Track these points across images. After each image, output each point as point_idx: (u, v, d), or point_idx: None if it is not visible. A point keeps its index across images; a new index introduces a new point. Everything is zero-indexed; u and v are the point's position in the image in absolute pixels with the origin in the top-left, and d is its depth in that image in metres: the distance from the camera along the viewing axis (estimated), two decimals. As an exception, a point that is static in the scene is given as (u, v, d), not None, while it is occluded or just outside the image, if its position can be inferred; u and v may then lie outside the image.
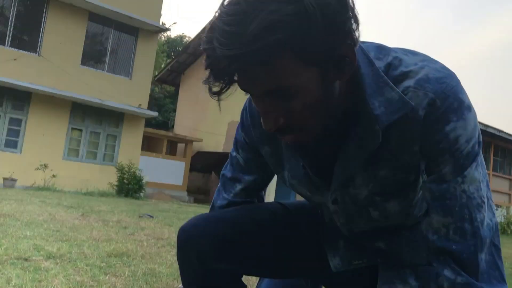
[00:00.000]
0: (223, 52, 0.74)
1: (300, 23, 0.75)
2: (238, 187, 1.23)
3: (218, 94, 0.80)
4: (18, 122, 14.90)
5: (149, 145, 20.69)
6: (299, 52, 0.78)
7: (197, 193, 21.43)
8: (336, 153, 0.98)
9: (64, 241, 4.37)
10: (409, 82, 0.91)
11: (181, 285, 1.40)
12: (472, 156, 0.90)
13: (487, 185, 0.95)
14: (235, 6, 0.76)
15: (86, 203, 9.71)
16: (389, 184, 0.98)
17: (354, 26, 0.83)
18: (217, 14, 0.78)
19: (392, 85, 0.91)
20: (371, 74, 0.91)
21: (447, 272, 0.90)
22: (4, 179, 13.37)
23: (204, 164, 21.56)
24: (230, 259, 1.12)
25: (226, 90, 0.79)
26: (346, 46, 0.83)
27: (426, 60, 0.94)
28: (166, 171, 19.50)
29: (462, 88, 0.90)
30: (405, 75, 0.91)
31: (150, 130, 19.70)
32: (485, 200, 0.92)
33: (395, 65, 0.93)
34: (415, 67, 0.92)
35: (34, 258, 3.38)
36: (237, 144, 1.19)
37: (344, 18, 0.80)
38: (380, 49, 0.96)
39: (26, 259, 3.33)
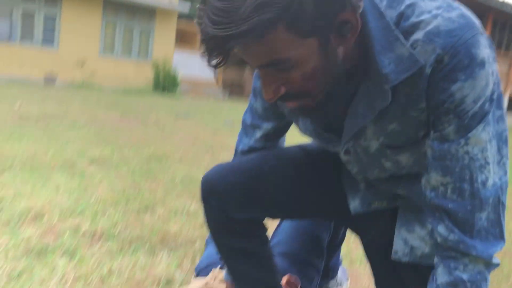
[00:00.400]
0: (216, 32, 0.71)
1: (295, 9, 0.70)
2: (258, 133, 1.23)
3: (215, 67, 0.76)
4: (52, 18, 14.87)
5: (182, 39, 20.46)
6: (294, 26, 0.73)
7: (231, 87, 21.52)
8: (345, 108, 0.95)
9: (106, 144, 4.58)
10: (419, 35, 0.83)
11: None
12: (480, 116, 0.84)
13: (504, 141, 0.89)
14: None
15: (124, 102, 9.98)
16: (400, 138, 0.95)
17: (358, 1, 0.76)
18: None
19: (403, 39, 0.83)
20: (381, 28, 0.84)
21: (440, 229, 0.92)
22: (45, 77, 13.75)
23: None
24: (250, 208, 1.16)
25: (224, 63, 0.76)
26: (346, 12, 0.77)
27: (443, 7, 0.84)
28: (201, 66, 19.45)
29: (478, 41, 0.82)
30: (416, 26, 0.83)
31: (183, 24, 19.32)
32: (492, 160, 0.88)
33: (407, 14, 0.84)
34: (427, 17, 0.83)
35: (79, 163, 3.58)
36: (255, 91, 1.16)
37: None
38: None
39: (72, 165, 3.54)
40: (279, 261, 1.46)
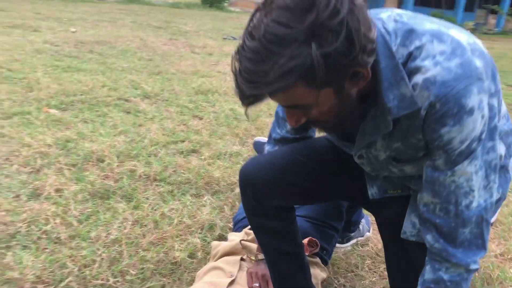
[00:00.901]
0: (250, 90, 0.85)
1: (311, 69, 0.82)
2: (289, 126, 1.38)
3: (248, 105, 0.91)
4: None
5: None
6: (311, 83, 0.86)
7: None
8: (357, 126, 1.09)
9: (156, 74, 4.82)
10: (419, 78, 0.94)
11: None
12: (466, 154, 0.98)
13: (492, 169, 1.02)
14: (257, 43, 0.82)
15: (173, 21, 10.04)
16: (403, 154, 1.11)
17: (365, 57, 0.86)
18: (244, 41, 0.84)
19: (407, 81, 0.95)
20: (391, 68, 0.95)
21: (428, 237, 1.10)
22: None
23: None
24: (280, 198, 1.35)
25: (255, 104, 0.90)
26: (358, 67, 0.87)
27: (446, 53, 0.93)
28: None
29: (469, 90, 0.92)
30: (418, 70, 0.94)
31: None
32: (477, 186, 1.01)
33: (414, 55, 0.95)
34: (429, 63, 0.93)
35: (132, 98, 3.85)
36: None
37: (351, 56, 0.83)
38: (409, 33, 0.96)
39: (126, 100, 3.82)
40: (301, 223, 1.68)
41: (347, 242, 2.01)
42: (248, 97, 0.87)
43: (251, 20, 0.85)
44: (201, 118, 3.56)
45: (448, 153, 0.98)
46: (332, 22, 0.79)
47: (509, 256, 2.09)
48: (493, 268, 1.96)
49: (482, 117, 0.95)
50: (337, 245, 1.99)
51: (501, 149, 1.20)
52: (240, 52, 0.85)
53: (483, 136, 0.97)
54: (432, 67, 0.93)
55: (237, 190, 2.42)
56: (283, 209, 1.38)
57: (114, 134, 3.01)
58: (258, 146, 2.81)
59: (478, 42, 1.02)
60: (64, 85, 3.93)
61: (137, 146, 2.81)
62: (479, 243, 1.07)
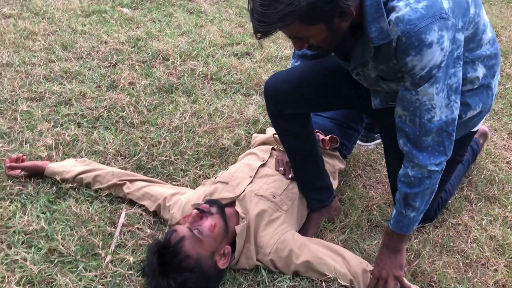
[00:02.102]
0: (259, 28, 1.14)
1: (307, 10, 1.09)
2: None
3: (259, 39, 1.19)
4: None
5: None
6: (306, 20, 1.14)
7: None
8: (351, 49, 1.36)
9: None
10: (393, 16, 1.18)
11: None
12: (426, 78, 1.22)
13: (453, 91, 1.27)
14: None
15: None
16: (386, 74, 1.37)
17: (345, 1, 1.12)
18: None
19: (385, 17, 1.19)
20: (374, 5, 1.20)
21: (400, 141, 1.40)
22: None
23: None
24: (297, 106, 1.63)
25: (264, 38, 1.18)
26: (343, 7, 1.12)
27: None
28: None
29: (430, 28, 1.14)
30: (393, 9, 1.18)
31: None
32: (439, 105, 1.26)
33: None
34: (402, 3, 1.17)
35: (196, -1, 4.11)
36: None
37: (333, 4, 1.11)
38: None
39: (190, 0, 4.08)
40: (325, 123, 2.00)
41: (371, 141, 2.31)
42: (259, 33, 1.16)
43: None
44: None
45: (412, 77, 1.23)
46: None
47: (520, 164, 2.31)
48: (499, 172, 2.21)
49: (442, 49, 1.18)
50: (362, 143, 2.31)
51: (479, 71, 1.41)
52: None
53: (443, 64, 1.21)
54: (403, 8, 1.16)
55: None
56: (299, 115, 1.68)
57: (178, 34, 3.35)
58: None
59: None
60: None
61: (198, 47, 3.14)
62: (441, 150, 1.35)
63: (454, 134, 1.35)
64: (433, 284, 1.64)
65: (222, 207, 1.61)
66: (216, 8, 3.99)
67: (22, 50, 2.90)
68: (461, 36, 1.24)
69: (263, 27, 1.14)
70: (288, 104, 1.64)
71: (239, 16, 3.84)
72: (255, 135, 2.17)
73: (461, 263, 1.72)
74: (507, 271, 1.69)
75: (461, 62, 1.27)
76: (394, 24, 1.18)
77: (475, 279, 1.66)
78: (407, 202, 1.43)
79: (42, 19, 3.35)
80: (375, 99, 1.56)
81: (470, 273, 1.69)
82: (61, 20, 3.35)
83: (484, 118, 1.65)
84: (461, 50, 1.25)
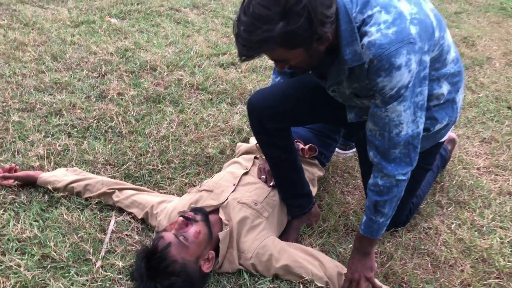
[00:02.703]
0: (243, 51, 1.25)
1: (287, 36, 1.20)
2: None
3: (242, 61, 1.30)
4: None
5: None
6: (285, 46, 1.25)
7: None
8: (328, 68, 1.48)
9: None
10: (365, 40, 1.30)
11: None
12: (395, 97, 1.34)
13: (419, 108, 1.39)
14: (247, 18, 1.19)
15: None
16: (359, 92, 1.49)
17: (323, 29, 1.22)
18: (240, 14, 1.22)
19: (359, 41, 1.31)
20: (349, 30, 1.32)
21: (371, 153, 1.51)
22: None
23: None
24: (278, 121, 1.75)
25: (247, 61, 1.30)
26: (320, 34, 1.24)
27: (387, 22, 1.26)
28: None
29: (399, 52, 1.26)
30: (366, 33, 1.30)
31: None
32: (406, 120, 1.38)
33: (366, 22, 1.30)
34: (374, 29, 1.27)
35: (183, 8, 4.21)
36: None
37: (311, 30, 1.20)
38: (366, 4, 1.29)
39: (177, 10, 4.19)
40: (305, 133, 2.11)
41: (349, 149, 2.43)
42: (243, 55, 1.27)
43: None
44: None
45: (382, 96, 1.35)
46: (297, 7, 1.17)
47: (489, 170, 2.45)
48: (469, 178, 2.34)
49: (409, 71, 1.30)
50: (340, 151, 2.43)
51: (444, 88, 1.54)
52: (238, 22, 1.23)
53: (410, 84, 1.33)
54: (375, 33, 1.28)
55: (265, 100, 2.85)
56: (280, 129, 1.80)
57: (165, 44, 3.45)
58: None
59: (425, 11, 1.35)
60: (122, -6, 4.31)
61: (184, 57, 3.24)
62: (407, 161, 1.47)
63: (419, 146, 1.48)
64: (404, 285, 1.75)
65: (206, 214, 1.71)
66: (202, 18, 4.10)
67: (13, 61, 2.98)
68: (427, 58, 1.36)
69: (247, 51, 1.25)
70: (270, 120, 1.75)
71: (225, 26, 3.96)
72: (239, 144, 2.28)
73: (430, 265, 1.84)
74: (473, 272, 1.81)
75: (427, 82, 1.39)
76: (366, 48, 1.30)
77: (442, 279, 1.78)
78: (376, 209, 1.55)
79: (32, 29, 3.43)
80: (350, 113, 1.67)
81: (438, 274, 1.81)
82: (50, 30, 3.43)
83: (450, 130, 1.78)
84: (427, 70, 1.38)
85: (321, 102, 1.74)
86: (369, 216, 1.58)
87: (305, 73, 1.74)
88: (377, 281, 1.64)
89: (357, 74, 1.41)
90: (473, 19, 4.98)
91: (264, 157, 2.00)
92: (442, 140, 1.76)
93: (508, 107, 3.11)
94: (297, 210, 1.93)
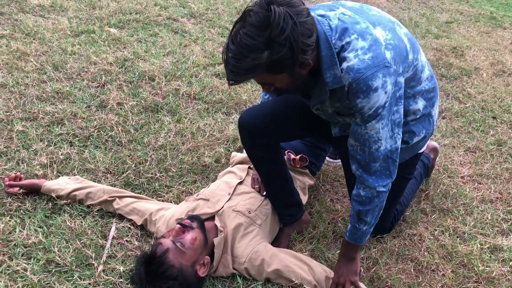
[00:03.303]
0: (231, 77, 1.35)
1: (273, 64, 1.30)
2: None
3: (231, 85, 1.40)
4: None
5: None
6: (271, 71, 1.35)
7: None
8: (311, 89, 1.59)
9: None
10: (344, 65, 1.42)
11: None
12: (374, 116, 1.46)
13: (397, 125, 1.51)
14: (235, 47, 1.29)
15: None
16: (341, 110, 1.61)
17: (304, 56, 1.32)
18: (228, 42, 1.32)
19: (338, 65, 1.42)
20: (329, 55, 1.43)
21: (353, 167, 1.63)
22: None
23: None
24: (267, 137, 1.86)
25: (236, 84, 1.41)
26: (302, 61, 1.34)
27: (364, 48, 1.38)
28: None
29: (375, 75, 1.37)
30: (344, 59, 1.41)
31: None
32: (384, 136, 1.50)
33: (345, 48, 1.42)
34: (352, 54, 1.39)
35: (180, 18, 4.32)
36: None
37: (294, 58, 1.31)
38: (344, 31, 1.41)
39: (174, 19, 4.29)
40: (296, 144, 2.23)
41: (339, 158, 2.54)
42: (232, 80, 1.38)
43: (233, 28, 1.33)
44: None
45: (362, 115, 1.47)
46: (280, 38, 1.27)
47: (472, 178, 2.57)
48: (453, 187, 2.46)
49: (385, 92, 1.42)
50: (330, 160, 2.54)
51: (420, 104, 1.67)
52: (226, 50, 1.34)
53: (387, 104, 1.44)
54: (353, 58, 1.40)
55: (259, 110, 2.96)
56: (270, 144, 1.91)
57: (163, 54, 3.56)
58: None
59: (399, 36, 1.48)
60: (121, 3, 4.42)
61: (182, 67, 3.35)
62: (387, 174, 1.59)
63: (398, 160, 1.59)
64: (388, 288, 1.87)
65: (202, 222, 1.82)
66: (199, 27, 4.21)
67: (15, 70, 3.08)
68: (401, 79, 1.48)
69: (235, 76, 1.36)
70: (260, 136, 1.86)
71: (221, 36, 4.07)
72: (233, 153, 2.39)
73: (413, 270, 1.96)
74: (453, 276, 1.93)
75: (402, 101, 1.51)
76: (345, 72, 1.41)
77: (424, 283, 1.89)
78: (360, 217, 1.66)
79: (33, 39, 3.53)
80: (334, 128, 1.79)
81: (420, 278, 1.92)
82: (51, 40, 3.53)
83: (427, 142, 1.90)
84: (402, 90, 1.49)
85: (308, 118, 1.86)
86: (353, 224, 1.69)
87: (291, 94, 1.85)
88: (361, 285, 1.75)
89: (338, 95, 1.52)
90: (463, 28, 5.12)
91: (256, 169, 2.11)
92: (421, 151, 1.88)
93: (494, 117, 3.23)
94: (288, 218, 2.04)
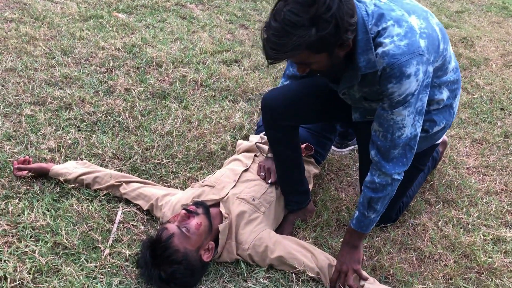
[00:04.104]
0: (273, 55, 1.36)
1: (312, 43, 1.32)
2: None
3: (269, 64, 1.40)
4: None
5: None
6: (312, 50, 1.37)
7: None
8: (342, 73, 1.60)
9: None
10: (379, 50, 1.44)
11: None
12: (402, 102, 1.48)
13: (418, 113, 1.53)
14: (278, 24, 1.30)
15: None
16: (369, 96, 1.62)
17: (346, 35, 1.34)
18: (270, 20, 1.33)
19: (373, 50, 1.44)
20: (365, 40, 1.44)
21: (372, 152, 1.64)
22: None
23: None
24: (290, 118, 1.88)
25: (275, 63, 1.41)
26: (342, 41, 1.36)
27: (400, 35, 1.40)
28: None
29: (409, 62, 1.40)
30: (380, 44, 1.44)
31: None
32: (408, 124, 1.52)
33: (381, 34, 1.44)
34: (387, 40, 1.41)
35: (188, 4, 4.30)
36: None
37: (338, 36, 1.33)
38: (380, 17, 1.42)
39: (183, 5, 4.28)
40: (302, 132, 2.23)
41: (344, 148, 2.55)
42: (271, 59, 1.39)
43: (275, 6, 1.34)
44: (246, 28, 4.00)
45: (390, 100, 1.49)
46: (326, 15, 1.29)
47: (478, 170, 2.57)
48: (458, 178, 2.46)
49: (417, 80, 1.44)
50: (336, 149, 2.55)
51: (444, 94, 1.70)
52: (267, 27, 1.35)
53: (416, 92, 1.47)
54: (388, 44, 1.42)
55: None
56: (291, 126, 1.93)
57: (170, 40, 3.56)
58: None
59: (431, 25, 1.50)
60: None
61: (189, 53, 3.35)
62: (404, 161, 1.62)
63: (415, 148, 1.62)
64: (390, 277, 1.88)
65: (207, 208, 1.84)
66: (207, 14, 4.20)
67: (24, 55, 3.10)
68: (431, 69, 1.51)
69: (276, 54, 1.37)
70: (283, 117, 1.88)
71: (229, 23, 4.06)
72: (239, 141, 2.40)
73: (415, 259, 1.97)
74: (455, 266, 1.94)
75: (428, 89, 1.54)
76: (380, 57, 1.44)
77: (426, 273, 1.91)
78: (370, 205, 1.68)
79: (42, 24, 3.54)
80: (355, 113, 1.81)
81: (422, 267, 1.94)
82: (60, 25, 3.54)
83: (445, 133, 1.92)
84: (430, 79, 1.53)
85: (330, 102, 1.89)
86: (361, 212, 1.71)
87: (323, 76, 1.81)
88: (364, 273, 1.77)
89: (369, 80, 1.54)
90: (474, 18, 5.07)
91: (264, 155, 2.12)
92: (437, 142, 1.90)
93: (501, 109, 3.22)
94: (295, 205, 2.06)
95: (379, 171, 1.64)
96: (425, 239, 2.08)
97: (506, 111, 3.18)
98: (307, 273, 1.79)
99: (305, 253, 1.82)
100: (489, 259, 1.97)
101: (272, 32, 1.33)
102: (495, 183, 2.47)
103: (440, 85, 1.68)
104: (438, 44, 1.53)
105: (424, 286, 1.83)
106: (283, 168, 2.02)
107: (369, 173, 1.68)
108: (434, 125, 1.77)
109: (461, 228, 2.16)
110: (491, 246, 2.06)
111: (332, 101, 1.86)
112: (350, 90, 1.67)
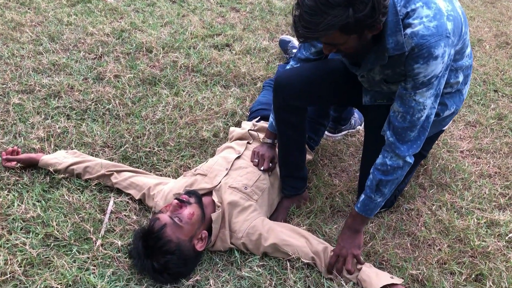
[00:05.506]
0: (305, 33, 1.34)
1: (346, 24, 1.31)
2: (313, 49, 1.87)
3: (300, 43, 1.43)
4: None
5: None
6: (344, 31, 1.36)
7: None
8: (365, 55, 1.58)
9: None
10: (408, 31, 1.44)
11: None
12: (426, 84, 1.49)
13: (437, 96, 1.53)
14: (313, 3, 1.28)
15: None
16: (390, 78, 1.61)
17: (381, 18, 1.34)
18: None
19: (402, 32, 1.43)
20: (394, 21, 1.44)
21: (388, 132, 1.64)
22: None
23: None
24: (302, 99, 1.86)
25: (306, 42, 1.42)
26: (378, 22, 1.35)
27: (429, 16, 1.39)
28: None
29: (438, 44, 1.41)
30: (409, 25, 1.44)
31: None
32: (428, 106, 1.53)
33: (410, 15, 1.44)
34: (417, 21, 1.41)
35: (178, -13, 4.21)
36: None
37: (374, 18, 1.32)
38: None
39: (172, -12, 4.19)
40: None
41: (338, 133, 2.53)
42: (303, 37, 1.37)
43: None
44: (238, 11, 3.93)
45: (415, 81, 1.49)
46: None
47: (472, 153, 2.56)
48: (452, 161, 2.45)
49: (443, 62, 1.44)
50: (330, 134, 2.53)
51: (460, 78, 1.70)
52: (300, 4, 1.32)
53: (440, 74, 1.47)
54: (418, 25, 1.41)
55: (259, 84, 2.92)
56: (301, 108, 1.91)
57: (160, 25, 3.49)
58: (282, 44, 3.23)
59: (456, 9, 1.50)
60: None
61: (180, 38, 3.29)
62: (418, 144, 1.63)
63: (428, 131, 1.62)
64: (384, 263, 1.88)
65: (199, 197, 1.82)
66: (200, -3, 4.11)
67: (11, 42, 3.03)
68: (453, 51, 1.51)
69: (309, 33, 1.35)
70: (296, 97, 1.86)
71: (220, 6, 3.98)
72: (232, 128, 2.37)
73: (409, 244, 1.97)
74: (449, 250, 1.94)
75: (447, 72, 1.54)
76: (409, 37, 1.43)
77: (420, 258, 1.91)
78: (378, 188, 1.68)
79: (28, 9, 3.46)
80: (365, 96, 1.81)
81: (417, 252, 1.94)
82: (47, 10, 3.46)
83: (452, 119, 1.94)
84: (450, 62, 1.53)
85: (342, 85, 1.89)
86: (368, 195, 1.71)
87: (345, 58, 1.78)
88: (361, 258, 1.77)
89: (394, 61, 1.53)
90: (468, -1, 5.01)
91: (262, 140, 2.11)
92: (444, 128, 1.92)
93: (495, 90, 3.20)
94: (291, 190, 2.05)
95: (393, 152, 1.64)
96: (419, 224, 2.08)
97: (499, 93, 3.17)
98: (302, 259, 1.78)
99: (299, 238, 1.82)
100: (483, 243, 1.98)
101: (306, 10, 1.31)
102: (488, 166, 2.47)
103: (456, 69, 1.69)
104: (461, 27, 1.54)
105: (418, 271, 1.83)
106: (286, 151, 2.01)
107: (380, 156, 1.69)
108: (445, 109, 1.78)
109: (455, 212, 2.15)
110: (485, 230, 2.06)
111: (344, 85, 1.87)
112: (370, 73, 1.67)
